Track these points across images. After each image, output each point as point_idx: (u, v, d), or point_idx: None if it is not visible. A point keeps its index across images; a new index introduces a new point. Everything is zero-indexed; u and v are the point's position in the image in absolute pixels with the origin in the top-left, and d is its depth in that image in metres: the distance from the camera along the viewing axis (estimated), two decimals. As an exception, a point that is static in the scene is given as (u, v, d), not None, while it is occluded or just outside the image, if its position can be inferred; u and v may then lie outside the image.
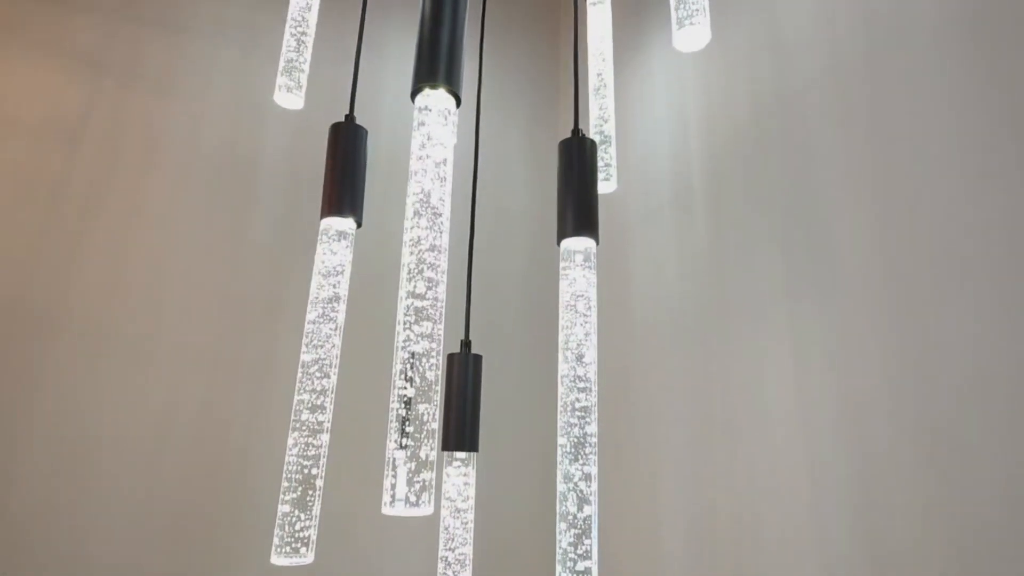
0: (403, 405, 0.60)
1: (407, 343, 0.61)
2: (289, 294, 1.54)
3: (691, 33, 0.82)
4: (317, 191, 1.61)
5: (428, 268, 0.64)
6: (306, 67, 1.08)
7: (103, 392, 1.36)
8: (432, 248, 0.64)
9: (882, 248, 1.18)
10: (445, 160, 0.68)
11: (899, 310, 1.15)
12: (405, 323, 0.61)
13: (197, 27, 1.51)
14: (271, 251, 1.55)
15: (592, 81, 1.22)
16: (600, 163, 1.17)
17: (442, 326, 0.63)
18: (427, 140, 0.67)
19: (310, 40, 1.09)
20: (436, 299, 0.63)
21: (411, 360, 0.60)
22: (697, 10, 0.82)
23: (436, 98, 0.68)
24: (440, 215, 0.65)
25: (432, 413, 0.60)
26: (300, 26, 1.09)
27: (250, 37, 1.64)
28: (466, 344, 0.99)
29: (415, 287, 0.62)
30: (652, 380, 1.59)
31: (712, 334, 1.46)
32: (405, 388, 0.60)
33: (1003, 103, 1.04)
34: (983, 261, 1.04)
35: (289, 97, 1.06)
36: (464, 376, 0.95)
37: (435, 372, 0.61)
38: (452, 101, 0.69)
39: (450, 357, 0.96)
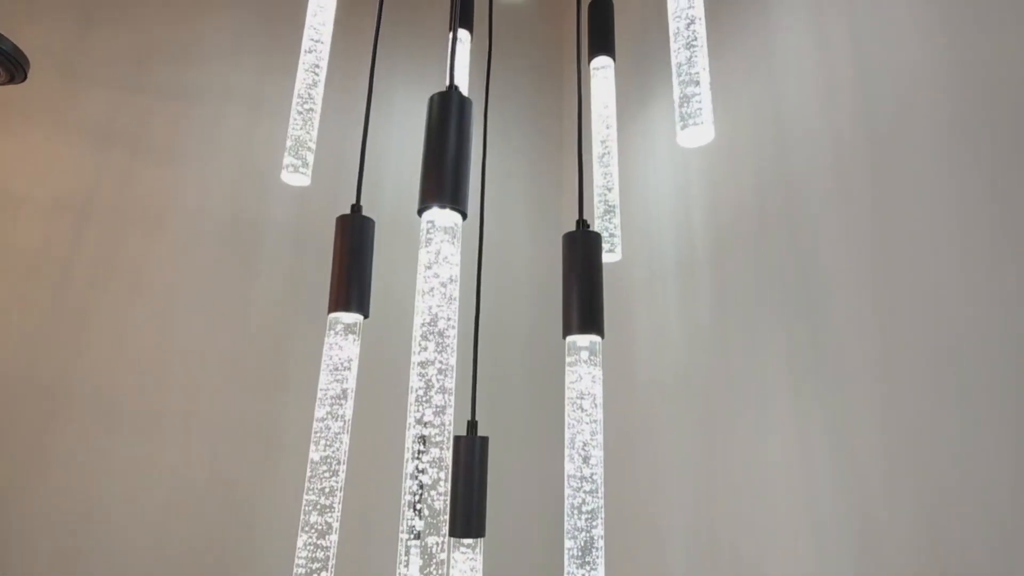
0: (412, 536, 0.60)
1: (416, 474, 0.61)
2: (294, 360, 1.54)
3: (694, 132, 0.83)
4: (321, 257, 1.62)
5: (437, 393, 0.64)
6: (312, 144, 1.09)
7: (111, 465, 1.36)
8: (441, 371, 0.65)
9: (882, 334, 1.19)
10: (452, 278, 0.68)
11: (897, 391, 1.15)
12: (413, 451, 0.62)
13: (204, 94, 1.51)
14: (276, 317, 1.56)
15: (596, 148, 1.23)
16: (605, 233, 1.17)
17: (450, 452, 0.64)
18: (435, 257, 0.68)
19: (316, 117, 1.10)
20: (444, 424, 0.64)
21: (420, 492, 0.61)
22: (700, 109, 0.82)
23: (443, 215, 0.68)
24: (447, 336, 0.66)
25: (440, 544, 0.61)
26: (307, 103, 1.10)
27: (256, 101, 1.65)
28: (472, 425, 1.00)
29: (423, 414, 0.63)
30: (656, 441, 1.59)
31: (716, 403, 1.47)
32: (414, 520, 0.60)
33: (1005, 204, 1.05)
34: (978, 349, 1.05)
35: (296, 176, 1.07)
36: (471, 460, 0.96)
37: (443, 500, 0.62)
38: (459, 217, 0.69)
39: (457, 440, 0.97)
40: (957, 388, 1.07)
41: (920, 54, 1.23)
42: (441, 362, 0.65)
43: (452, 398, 0.65)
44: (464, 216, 0.70)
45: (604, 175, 1.22)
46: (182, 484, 1.44)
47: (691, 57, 0.85)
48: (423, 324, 0.66)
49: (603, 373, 1.82)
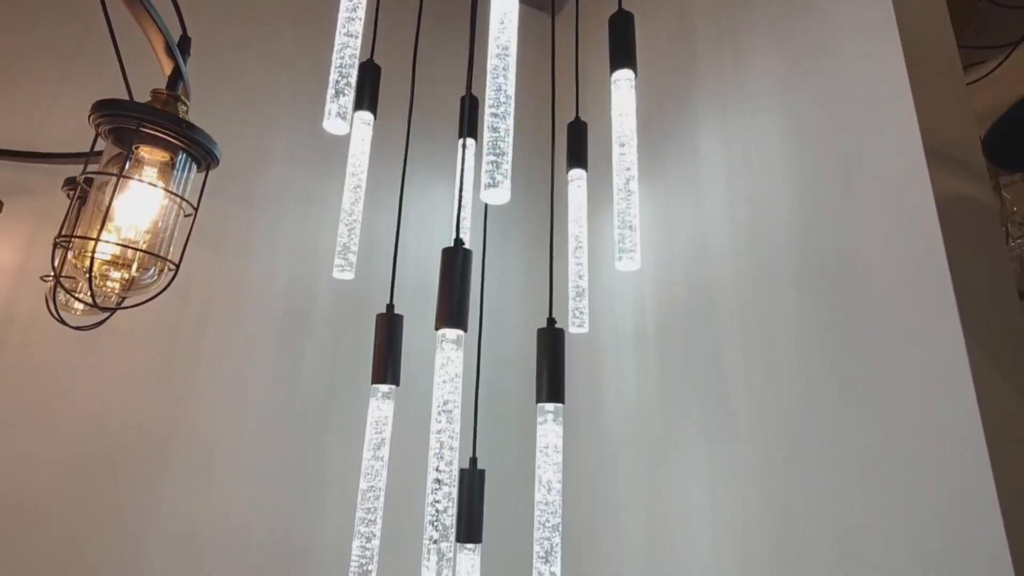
0: (432, 542, 0.95)
1: (433, 503, 0.96)
2: (337, 411, 1.92)
3: (627, 263, 1.18)
4: (358, 325, 1.99)
5: (447, 450, 0.99)
6: (355, 248, 1.45)
7: (206, 493, 1.72)
8: (450, 436, 1.00)
9: (760, 414, 1.52)
10: (457, 374, 1.04)
11: (779, 447, 1.49)
12: (432, 489, 0.97)
13: (266, 197, 1.90)
14: (323, 377, 1.95)
15: (571, 243, 1.58)
16: (576, 312, 1.52)
17: (456, 487, 0.99)
18: (445, 361, 1.03)
19: (358, 227, 1.45)
20: (452, 470, 0.99)
21: (436, 514, 0.96)
22: (632, 247, 1.17)
23: (450, 331, 1.04)
24: (454, 414, 1.01)
25: (449, 547, 0.96)
26: (351, 215, 1.46)
27: (307, 199, 2.03)
28: (473, 460, 1.34)
29: (439, 465, 0.98)
30: (615, 475, 1.96)
31: (657, 449, 1.82)
32: (433, 532, 0.95)
33: (828, 335, 1.38)
34: (835, 421, 1.37)
35: (344, 273, 1.43)
36: (472, 487, 1.31)
37: (452, 518, 0.97)
38: (462, 331, 1.05)
39: (461, 472, 1.31)
40: (820, 453, 1.40)
41: (787, 215, 1.57)
42: (450, 431, 1.00)
43: (456, 453, 1.01)
44: (465, 330, 1.05)
45: (576, 263, 1.56)
46: (257, 505, 1.79)
47: (628, 207, 1.20)
48: (438, 406, 1.01)
49: (577, 422, 2.23)
